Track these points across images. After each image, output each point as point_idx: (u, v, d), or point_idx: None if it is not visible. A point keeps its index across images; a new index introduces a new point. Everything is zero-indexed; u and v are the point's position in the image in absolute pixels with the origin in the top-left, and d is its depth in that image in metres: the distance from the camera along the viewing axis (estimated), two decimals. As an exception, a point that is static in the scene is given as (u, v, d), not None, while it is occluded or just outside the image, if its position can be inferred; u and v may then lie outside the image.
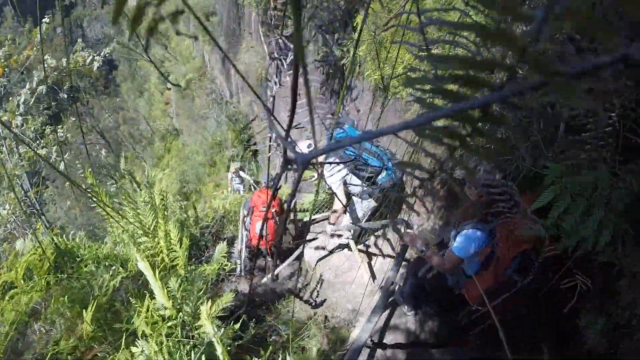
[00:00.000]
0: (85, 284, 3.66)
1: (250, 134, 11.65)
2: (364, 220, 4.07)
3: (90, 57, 5.70)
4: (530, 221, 2.17)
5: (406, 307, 3.07)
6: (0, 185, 5.54)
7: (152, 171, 5.53)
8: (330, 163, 3.70)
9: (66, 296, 3.31)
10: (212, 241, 5.44)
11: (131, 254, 4.55)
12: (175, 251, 4.35)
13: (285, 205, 5.29)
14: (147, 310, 2.97)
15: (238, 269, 4.56)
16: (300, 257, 5.09)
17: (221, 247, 4.31)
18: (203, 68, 15.70)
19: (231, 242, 5.48)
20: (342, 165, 3.67)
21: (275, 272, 4.87)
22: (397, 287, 3.02)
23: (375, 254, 4.16)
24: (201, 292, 3.25)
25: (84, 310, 3.26)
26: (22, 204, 5.60)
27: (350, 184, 3.72)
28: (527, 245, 2.17)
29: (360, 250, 4.28)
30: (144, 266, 2.95)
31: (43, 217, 6.12)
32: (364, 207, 3.97)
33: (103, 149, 23.91)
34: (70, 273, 3.90)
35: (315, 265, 4.74)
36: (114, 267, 3.94)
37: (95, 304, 3.18)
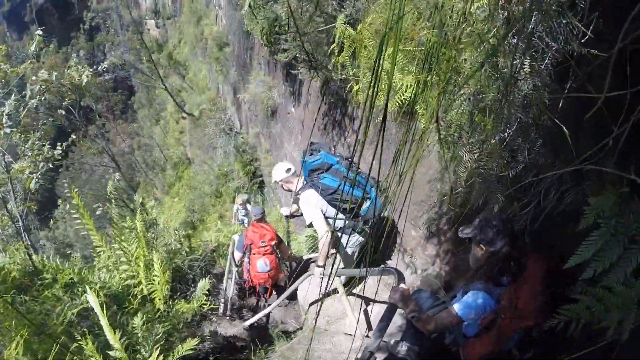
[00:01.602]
0: (45, 309, 3.32)
1: (257, 166, 11.45)
2: (355, 257, 3.65)
3: (85, 71, 5.59)
4: (535, 296, 1.82)
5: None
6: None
7: (140, 198, 5.22)
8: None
9: (17, 319, 2.98)
10: (201, 275, 5.06)
11: (110, 281, 4.23)
12: (152, 283, 3.98)
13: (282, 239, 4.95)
14: (98, 349, 2.58)
15: (221, 308, 4.13)
16: (293, 297, 4.68)
17: (203, 283, 3.92)
18: (217, 98, 15.83)
19: (221, 278, 5.10)
20: (318, 197, 3.28)
21: (267, 312, 4.43)
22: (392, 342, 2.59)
23: (372, 300, 3.71)
24: (159, 337, 2.82)
25: (33, 337, 2.92)
26: (7, 218, 5.37)
27: (329, 217, 3.33)
28: (528, 322, 1.87)
29: (356, 295, 3.84)
30: (92, 300, 2.58)
31: (24, 234, 5.86)
32: (351, 243, 3.56)
33: (116, 172, 24.16)
34: (35, 296, 3.57)
35: (308, 309, 4.31)
36: (85, 293, 3.60)
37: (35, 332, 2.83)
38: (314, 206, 3.25)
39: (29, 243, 5.84)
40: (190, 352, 2.99)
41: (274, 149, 9.43)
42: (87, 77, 5.46)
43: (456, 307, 1.99)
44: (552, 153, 1.43)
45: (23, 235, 5.59)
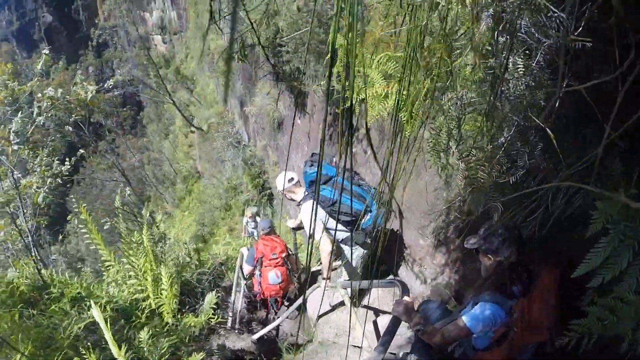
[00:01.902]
0: (53, 323, 3.33)
1: (265, 178, 11.47)
2: (359, 269, 3.59)
3: (92, 88, 5.68)
4: (548, 309, 1.77)
5: None
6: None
7: (147, 212, 5.23)
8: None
9: (23, 333, 2.99)
10: (209, 289, 5.04)
11: (118, 295, 4.23)
12: (160, 297, 3.97)
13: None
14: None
15: (229, 322, 4.09)
16: (301, 309, 4.63)
17: (211, 297, 3.90)
18: (224, 112, 15.95)
19: (229, 291, 5.07)
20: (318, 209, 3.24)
21: (276, 324, 4.37)
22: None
23: (381, 311, 3.66)
24: (164, 351, 2.79)
25: (39, 351, 2.92)
26: (17, 233, 5.42)
27: (330, 229, 3.29)
28: (541, 337, 1.82)
29: (364, 307, 3.79)
30: (97, 315, 2.56)
31: (34, 248, 5.91)
32: (355, 256, 3.52)
33: (127, 187, 24.35)
34: (43, 310, 3.58)
35: (317, 321, 4.25)
36: (91, 307, 3.60)
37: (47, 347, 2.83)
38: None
39: (39, 257, 5.88)
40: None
41: (282, 161, 9.45)
42: (92, 92, 5.53)
43: (464, 318, 1.93)
44: (555, 155, 1.37)
45: (32, 250, 5.64)
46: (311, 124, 6.51)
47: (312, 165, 3.32)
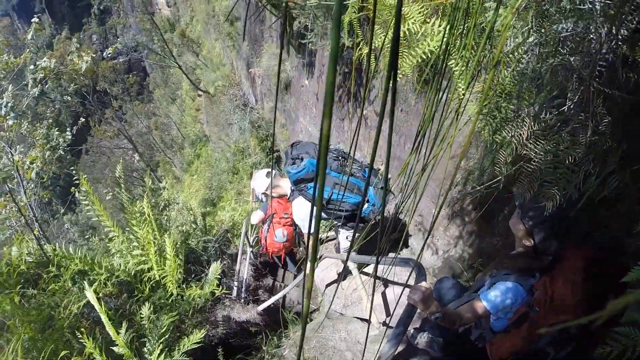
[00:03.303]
0: (54, 302, 3.25)
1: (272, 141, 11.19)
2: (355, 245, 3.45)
3: (86, 57, 5.40)
4: (574, 289, 1.58)
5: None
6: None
7: (149, 181, 5.08)
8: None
9: (23, 316, 2.91)
10: (215, 256, 4.96)
11: (123, 266, 4.15)
12: (163, 269, 3.87)
13: None
14: (102, 345, 2.47)
15: (234, 292, 4.01)
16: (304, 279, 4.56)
17: (215, 267, 3.79)
18: (231, 74, 15.52)
19: (236, 258, 4.99)
20: (308, 207, 3.04)
21: (280, 296, 4.30)
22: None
23: (391, 282, 3.51)
24: (164, 330, 2.68)
25: (38, 335, 2.85)
26: (17, 210, 5.35)
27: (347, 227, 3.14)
28: (566, 316, 1.63)
29: (371, 276, 3.65)
30: (91, 296, 2.45)
31: (37, 223, 5.85)
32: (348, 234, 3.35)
33: (136, 153, 24.37)
34: (44, 288, 3.51)
35: (324, 290, 4.15)
36: (94, 282, 3.52)
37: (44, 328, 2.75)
38: (305, 217, 3.05)
39: (41, 233, 5.85)
40: (201, 339, 2.85)
41: (289, 123, 9.18)
42: (87, 62, 5.27)
43: (484, 301, 1.75)
44: (620, 131, 1.14)
45: (36, 225, 5.59)
46: (319, 85, 6.19)
47: (293, 163, 3.04)
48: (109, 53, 6.43)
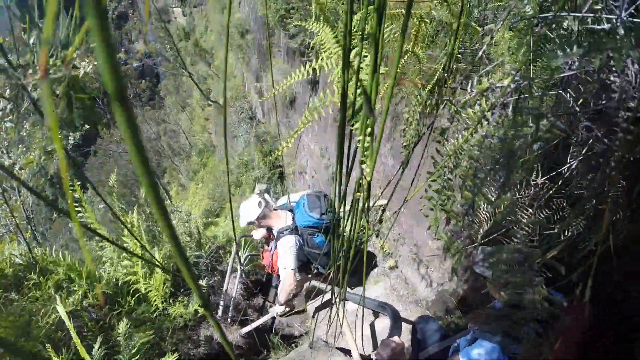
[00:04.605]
0: (32, 309, 3.15)
1: (277, 155, 11.15)
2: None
3: (84, 64, 5.37)
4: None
5: None
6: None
7: (144, 193, 5.00)
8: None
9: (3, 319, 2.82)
10: (207, 272, 4.85)
11: (113, 275, 4.07)
12: (150, 282, 3.78)
13: None
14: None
15: (220, 311, 3.88)
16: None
17: (201, 285, 3.69)
18: (241, 86, 15.62)
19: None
20: (297, 248, 3.19)
21: (261, 322, 4.15)
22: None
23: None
24: (135, 351, 2.57)
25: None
26: (12, 211, 5.31)
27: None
28: None
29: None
30: (61, 311, 2.35)
31: (29, 226, 5.81)
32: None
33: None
34: (26, 293, 3.42)
35: (313, 315, 4.03)
36: (75, 293, 3.42)
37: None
38: (293, 253, 3.17)
39: (32, 236, 5.80)
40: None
41: (293, 140, 9.14)
42: (84, 68, 5.26)
43: (465, 357, 1.61)
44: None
45: (27, 227, 5.55)
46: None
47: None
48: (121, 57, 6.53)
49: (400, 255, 3.83)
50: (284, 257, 3.20)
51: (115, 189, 4.51)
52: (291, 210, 3.43)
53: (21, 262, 3.79)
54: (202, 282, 3.76)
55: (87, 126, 7.06)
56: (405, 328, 2.53)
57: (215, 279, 4.66)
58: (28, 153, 5.42)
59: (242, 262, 4.56)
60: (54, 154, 5.48)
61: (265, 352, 3.60)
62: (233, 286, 4.39)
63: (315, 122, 6.48)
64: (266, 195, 9.76)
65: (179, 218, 6.51)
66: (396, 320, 1.98)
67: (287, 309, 3.41)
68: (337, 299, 3.13)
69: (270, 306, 4.82)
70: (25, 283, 3.39)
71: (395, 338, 1.67)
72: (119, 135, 20.07)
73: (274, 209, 3.50)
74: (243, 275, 4.79)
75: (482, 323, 1.60)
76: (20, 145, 5.89)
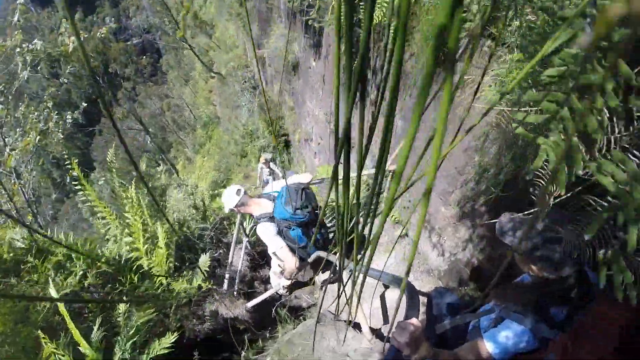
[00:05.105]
0: (31, 293, 3.06)
1: (281, 124, 10.91)
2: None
3: (73, 38, 5.14)
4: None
5: None
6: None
7: (145, 166, 4.86)
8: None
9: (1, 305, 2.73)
10: (212, 245, 4.74)
11: (116, 252, 3.98)
12: (152, 258, 3.67)
13: None
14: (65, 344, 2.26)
15: (225, 285, 3.78)
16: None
17: (204, 259, 3.57)
18: (244, 56, 15.21)
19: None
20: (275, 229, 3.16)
21: (268, 295, 4.05)
22: None
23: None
24: (132, 333, 2.46)
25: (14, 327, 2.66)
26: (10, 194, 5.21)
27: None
28: None
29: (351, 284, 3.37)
30: (54, 294, 2.23)
31: (31, 208, 5.72)
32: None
33: (146, 134, 24.37)
34: (26, 277, 3.33)
35: (321, 287, 3.91)
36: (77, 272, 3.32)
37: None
38: (273, 235, 3.14)
39: (34, 219, 5.72)
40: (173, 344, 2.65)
41: (297, 106, 8.86)
42: (73, 43, 5.05)
43: (488, 344, 1.41)
44: None
45: (28, 210, 5.47)
46: (327, 66, 5.84)
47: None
48: (102, 34, 6.27)
49: (411, 223, 3.65)
50: (271, 242, 3.14)
51: (114, 164, 4.35)
52: (275, 200, 3.32)
53: (23, 245, 3.71)
54: (202, 259, 3.64)
55: (84, 104, 6.84)
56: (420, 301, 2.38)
57: (221, 251, 4.56)
58: (26, 136, 5.30)
59: (247, 233, 4.43)
60: (47, 135, 5.37)
61: (270, 327, 3.51)
62: (238, 258, 4.28)
63: (320, 87, 6.21)
64: (272, 164, 9.56)
65: (185, 191, 6.40)
66: (412, 296, 1.77)
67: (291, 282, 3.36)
68: (351, 275, 3.01)
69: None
70: (23, 267, 3.29)
71: (414, 320, 1.46)
72: (122, 112, 19.91)
73: (258, 196, 3.41)
74: (248, 247, 4.68)
75: (508, 301, 1.42)
76: (18, 130, 5.77)
